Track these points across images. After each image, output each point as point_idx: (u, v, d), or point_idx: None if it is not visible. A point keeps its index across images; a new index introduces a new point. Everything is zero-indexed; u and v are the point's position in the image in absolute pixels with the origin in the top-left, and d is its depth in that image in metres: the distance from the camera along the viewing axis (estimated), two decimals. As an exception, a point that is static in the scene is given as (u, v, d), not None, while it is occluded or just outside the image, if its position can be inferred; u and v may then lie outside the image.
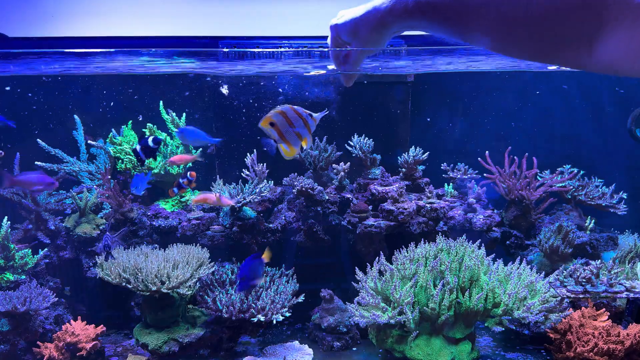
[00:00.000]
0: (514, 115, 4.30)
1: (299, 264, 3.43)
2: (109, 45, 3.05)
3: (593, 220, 3.61)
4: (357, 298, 2.80)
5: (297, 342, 3.28)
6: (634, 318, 2.78)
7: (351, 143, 3.68)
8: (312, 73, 3.73)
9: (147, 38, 3.11)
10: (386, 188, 3.46)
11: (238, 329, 3.07)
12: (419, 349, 2.63)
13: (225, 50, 3.07)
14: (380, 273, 2.89)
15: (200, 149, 3.92)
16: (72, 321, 3.01)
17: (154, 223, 3.51)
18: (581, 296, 2.64)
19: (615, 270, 2.70)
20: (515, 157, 3.52)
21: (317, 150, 3.64)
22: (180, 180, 3.12)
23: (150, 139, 2.90)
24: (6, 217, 3.19)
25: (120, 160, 3.72)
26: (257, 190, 3.38)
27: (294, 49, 3.07)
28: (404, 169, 3.70)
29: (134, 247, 3.13)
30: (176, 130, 3.79)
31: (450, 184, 3.66)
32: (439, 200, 3.52)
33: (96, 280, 3.31)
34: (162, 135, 3.78)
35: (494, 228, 3.38)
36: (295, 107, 1.82)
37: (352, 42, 0.90)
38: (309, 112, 1.83)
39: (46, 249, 3.37)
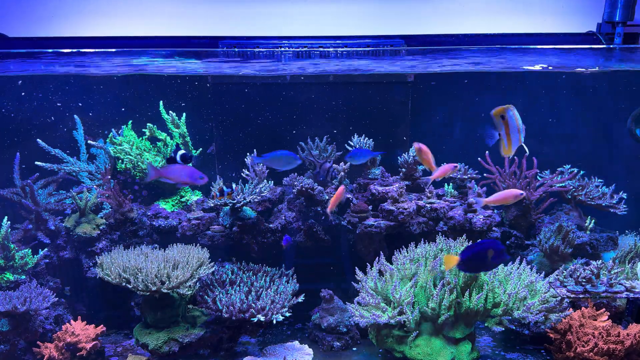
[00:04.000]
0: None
1: (299, 264, 3.43)
2: (109, 45, 3.06)
3: (593, 220, 3.61)
4: (357, 298, 2.80)
5: (297, 342, 3.28)
6: (634, 318, 2.78)
7: (351, 143, 3.68)
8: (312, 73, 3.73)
9: (147, 38, 3.11)
10: (386, 188, 3.46)
11: (238, 329, 3.07)
12: (419, 349, 2.63)
13: (225, 50, 3.08)
14: (380, 273, 2.89)
15: (201, 149, 3.93)
16: (72, 321, 3.02)
17: (154, 223, 3.50)
18: (581, 296, 2.64)
19: (615, 270, 2.70)
20: (515, 157, 3.52)
21: (317, 150, 3.65)
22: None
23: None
24: (6, 217, 3.19)
25: (120, 160, 3.72)
26: (257, 190, 3.38)
27: (294, 49, 3.07)
28: (404, 169, 3.70)
29: (134, 247, 3.13)
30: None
31: (450, 184, 3.66)
32: (439, 200, 3.52)
33: (96, 280, 3.31)
34: (162, 135, 3.78)
35: (494, 228, 3.38)
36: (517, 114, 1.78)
37: None
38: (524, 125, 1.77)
39: (46, 249, 3.37)
